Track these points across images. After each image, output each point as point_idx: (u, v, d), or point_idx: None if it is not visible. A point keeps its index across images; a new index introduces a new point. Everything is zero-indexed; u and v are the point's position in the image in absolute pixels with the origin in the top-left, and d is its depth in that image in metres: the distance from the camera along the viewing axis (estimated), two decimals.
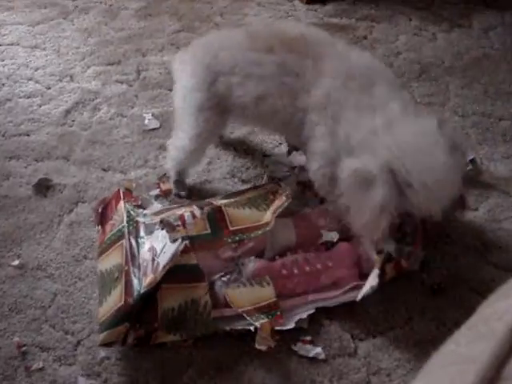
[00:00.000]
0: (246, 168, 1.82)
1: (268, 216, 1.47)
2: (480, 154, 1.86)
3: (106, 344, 1.31)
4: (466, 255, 1.56)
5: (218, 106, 1.56)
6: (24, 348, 1.36)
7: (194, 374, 1.31)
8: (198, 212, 1.46)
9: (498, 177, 1.79)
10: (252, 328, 1.33)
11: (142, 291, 1.31)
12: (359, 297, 1.37)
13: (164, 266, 1.32)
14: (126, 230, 1.45)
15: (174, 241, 1.37)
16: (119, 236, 1.46)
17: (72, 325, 1.41)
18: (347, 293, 1.42)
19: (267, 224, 1.45)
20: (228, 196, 1.59)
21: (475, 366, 0.51)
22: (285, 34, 1.50)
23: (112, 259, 1.44)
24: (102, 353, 1.34)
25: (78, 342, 1.37)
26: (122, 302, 1.31)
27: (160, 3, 2.67)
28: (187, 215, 1.45)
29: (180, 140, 1.64)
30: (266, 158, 1.85)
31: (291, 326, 1.36)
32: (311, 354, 1.34)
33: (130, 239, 1.43)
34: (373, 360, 1.34)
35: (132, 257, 1.39)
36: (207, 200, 1.56)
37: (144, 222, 1.46)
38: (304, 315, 1.39)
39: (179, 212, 1.47)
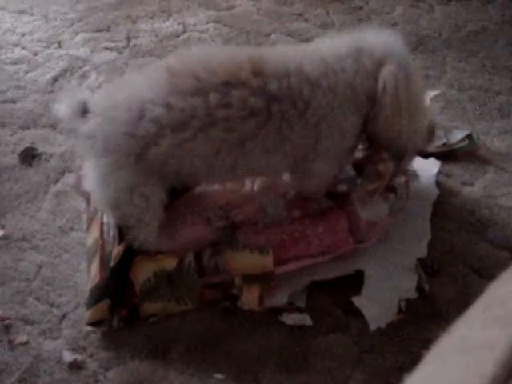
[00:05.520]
0: None
1: None
2: (477, 129, 1.83)
3: (92, 324, 1.29)
4: (462, 232, 1.52)
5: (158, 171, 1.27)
6: (8, 321, 1.32)
7: (183, 349, 1.28)
8: None
9: (495, 152, 1.76)
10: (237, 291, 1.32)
11: (111, 265, 1.29)
12: (373, 327, 1.32)
13: None
14: None
15: None
16: (96, 209, 1.43)
17: (57, 297, 1.37)
18: (341, 259, 1.39)
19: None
20: None
21: (493, 354, 0.47)
22: None
23: (93, 233, 1.41)
24: (88, 326, 1.31)
25: (64, 316, 1.34)
26: (99, 279, 1.30)
27: None
28: None
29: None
30: None
31: (283, 301, 1.33)
32: (298, 322, 1.31)
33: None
34: (365, 337, 1.31)
35: (106, 229, 1.37)
36: None
37: None
38: (298, 289, 1.36)
39: None
